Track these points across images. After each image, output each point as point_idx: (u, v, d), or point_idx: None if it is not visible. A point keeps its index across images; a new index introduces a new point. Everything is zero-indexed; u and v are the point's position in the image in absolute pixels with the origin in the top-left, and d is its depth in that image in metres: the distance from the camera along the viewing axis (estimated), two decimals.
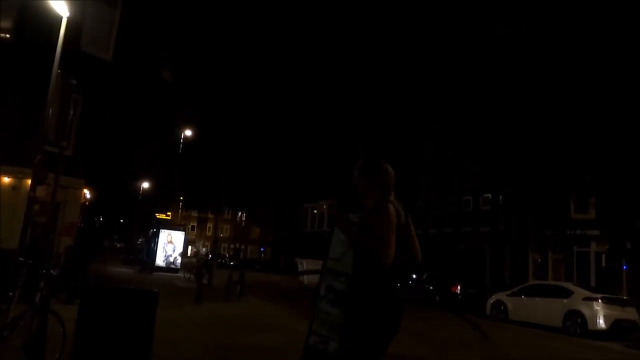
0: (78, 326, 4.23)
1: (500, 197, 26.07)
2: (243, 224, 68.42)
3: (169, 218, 41.36)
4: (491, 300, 17.30)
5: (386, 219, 2.95)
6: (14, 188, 15.36)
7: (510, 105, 23.87)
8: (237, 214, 66.22)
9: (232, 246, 71.31)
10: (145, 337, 4.37)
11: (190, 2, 29.82)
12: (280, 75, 33.44)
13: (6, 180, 15.54)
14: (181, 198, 49.84)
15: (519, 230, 23.89)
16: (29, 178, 12.94)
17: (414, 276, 22.33)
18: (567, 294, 14.88)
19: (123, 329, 4.21)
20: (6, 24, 16.74)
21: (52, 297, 5.80)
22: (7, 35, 16.60)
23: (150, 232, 30.71)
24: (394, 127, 32.33)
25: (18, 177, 15.24)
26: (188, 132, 30.67)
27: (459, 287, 20.27)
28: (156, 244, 27.26)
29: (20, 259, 5.79)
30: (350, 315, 3.10)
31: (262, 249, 69.69)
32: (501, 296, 17.10)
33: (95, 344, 4.16)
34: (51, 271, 5.09)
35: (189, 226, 60.61)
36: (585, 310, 13.94)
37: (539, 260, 24.41)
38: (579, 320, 13.97)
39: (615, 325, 13.57)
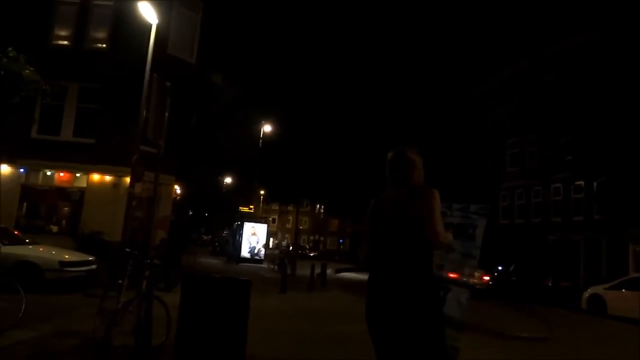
0: (181, 312, 4.56)
1: (595, 184, 24.32)
2: (321, 216, 69.35)
3: (252, 211, 42.91)
4: (587, 294, 16.27)
5: None
6: (115, 185, 16.71)
7: (606, 84, 22.28)
8: (315, 206, 67.24)
9: (311, 238, 72.57)
10: (240, 323, 4.62)
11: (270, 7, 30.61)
12: (360, 70, 33.46)
13: (108, 178, 16.93)
14: (262, 192, 51.46)
15: (617, 220, 22.16)
16: (126, 176, 14.05)
17: (499, 268, 21.52)
18: None
19: (221, 315, 4.48)
20: (102, 34, 18.17)
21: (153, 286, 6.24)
22: (104, 45, 18.02)
23: (234, 225, 32.04)
24: (475, 108, 31.22)
25: (117, 175, 16.56)
26: (267, 128, 31.57)
27: (549, 281, 19.22)
28: (241, 235, 28.39)
29: (127, 249, 6.31)
30: None
31: (341, 241, 70.25)
32: (598, 289, 16.02)
33: (196, 328, 4.46)
34: (155, 261, 5.51)
35: (270, 219, 62.41)
36: None
37: None
38: None
39: None
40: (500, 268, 21.64)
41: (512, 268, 21.04)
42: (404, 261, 2.92)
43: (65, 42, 17.96)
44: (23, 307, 6.04)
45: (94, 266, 11.11)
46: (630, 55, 22.15)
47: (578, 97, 24.99)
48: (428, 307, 2.86)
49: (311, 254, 55.47)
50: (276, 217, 72.42)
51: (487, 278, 21.47)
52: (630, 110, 21.62)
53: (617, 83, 22.59)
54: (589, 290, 16.50)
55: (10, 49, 11.64)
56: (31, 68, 12.11)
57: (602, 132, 23.40)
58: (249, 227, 28.64)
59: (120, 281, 5.78)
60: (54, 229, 17.23)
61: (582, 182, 25.22)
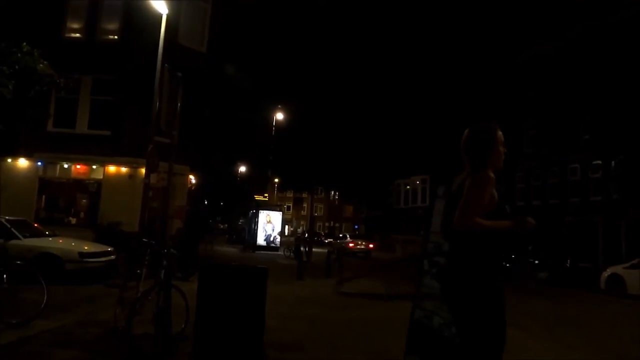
0: (199, 300, 4.61)
1: (613, 163, 23.92)
2: (336, 202, 69.45)
3: (266, 199, 43.08)
4: (606, 274, 16.10)
5: None
6: (130, 177, 16.88)
7: (624, 63, 21.78)
8: (329, 193, 67.31)
9: (326, 224, 72.77)
10: (258, 309, 4.66)
11: None
12: (372, 51, 33.11)
13: (124, 170, 17.11)
14: (276, 180, 51.56)
15: (636, 199, 21.81)
16: (142, 167, 14.17)
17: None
18: None
19: (239, 302, 4.52)
20: (113, 26, 18.23)
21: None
22: (115, 37, 18.08)
23: (250, 213, 32.24)
24: (492, 90, 30.81)
25: (133, 166, 16.72)
26: (280, 116, 31.52)
27: (568, 261, 19.05)
28: (256, 224, 28.59)
29: (144, 239, 6.39)
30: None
31: (356, 227, 70.35)
32: (617, 269, 15.84)
33: (215, 315, 4.51)
34: (172, 250, 5.56)
35: (285, 206, 62.71)
36: None
37: None
38: None
39: None
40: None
41: (529, 250, 20.90)
42: (457, 252, 2.86)
43: (78, 35, 18.06)
44: (45, 298, 6.17)
45: (113, 257, 11.28)
46: None
47: (596, 77, 24.49)
48: (481, 297, 2.75)
49: (326, 241, 55.64)
50: (291, 204, 72.63)
51: (372, 246, 30.19)
52: None
53: (636, 62, 22.07)
54: (608, 270, 16.32)
55: (24, 43, 11.74)
56: (45, 62, 12.20)
57: (620, 110, 22.94)
58: (264, 215, 28.82)
59: (138, 271, 5.86)
60: (73, 220, 17.51)
61: (599, 162, 24.81)
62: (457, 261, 2.87)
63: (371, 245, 31.02)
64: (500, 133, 2.98)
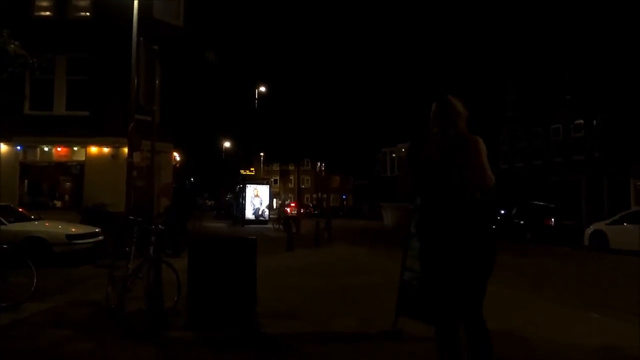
0: (190, 273, 4.63)
1: (595, 122, 24.19)
2: (323, 173, 69.54)
3: (253, 173, 42.96)
4: (589, 230, 16.47)
5: None
6: (113, 157, 16.67)
7: (605, 19, 21.74)
8: (316, 164, 67.28)
9: (314, 196, 72.99)
10: (249, 280, 4.70)
11: None
12: (355, 19, 32.58)
13: (106, 150, 16.87)
14: (262, 153, 51.32)
15: (618, 156, 22.17)
16: (124, 146, 13.96)
17: (502, 211, 21.70)
18: None
19: (230, 273, 4.55)
20: (85, 2, 17.66)
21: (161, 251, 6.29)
22: (87, 14, 17.55)
23: (237, 188, 32.19)
24: (476, 53, 30.65)
25: (115, 146, 16.49)
26: (262, 89, 31.17)
27: (552, 220, 19.42)
28: (244, 198, 28.59)
29: (131, 217, 6.35)
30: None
31: (344, 197, 70.76)
32: (600, 225, 16.21)
33: (207, 287, 4.54)
34: (160, 227, 5.53)
35: (272, 180, 62.70)
36: None
37: None
38: None
39: None
40: (503, 212, 21.82)
41: (514, 211, 21.22)
42: (455, 206, 3.03)
43: (48, 13, 17.49)
44: (35, 281, 6.14)
45: (100, 237, 11.23)
46: None
47: (575, 36, 24.48)
48: (482, 250, 3.01)
49: (315, 212, 55.93)
50: (277, 177, 72.55)
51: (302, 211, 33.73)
52: (629, 45, 21.22)
53: (617, 18, 22.06)
54: (591, 227, 16.69)
55: None
56: (16, 42, 11.80)
57: (601, 68, 23.06)
58: (251, 190, 28.82)
59: (127, 249, 5.85)
60: (58, 204, 17.33)
61: (581, 121, 25.08)
62: (463, 220, 3.05)
63: (302, 210, 38.45)
64: (461, 109, 3.27)
